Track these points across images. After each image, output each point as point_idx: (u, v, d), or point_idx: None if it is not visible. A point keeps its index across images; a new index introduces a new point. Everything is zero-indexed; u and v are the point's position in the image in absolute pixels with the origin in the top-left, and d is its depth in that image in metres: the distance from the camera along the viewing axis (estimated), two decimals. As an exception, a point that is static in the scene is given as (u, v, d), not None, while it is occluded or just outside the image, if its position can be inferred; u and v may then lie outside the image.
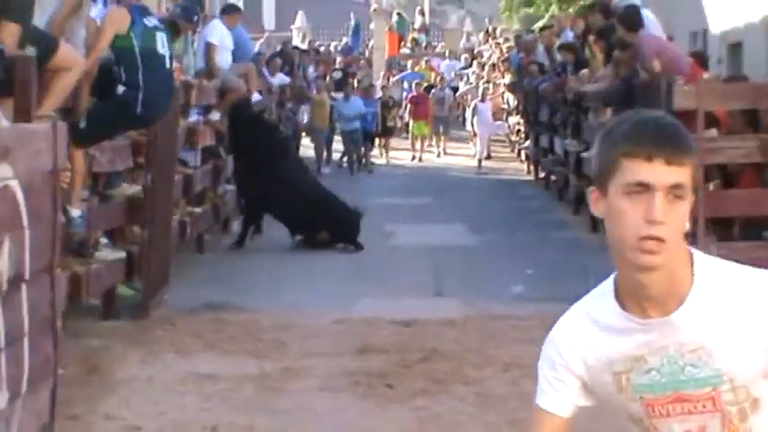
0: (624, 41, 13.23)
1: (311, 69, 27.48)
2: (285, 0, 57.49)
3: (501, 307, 10.85)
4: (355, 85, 27.80)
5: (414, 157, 28.40)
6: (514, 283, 12.09)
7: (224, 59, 15.04)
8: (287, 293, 11.48)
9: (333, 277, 12.44)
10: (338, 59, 32.73)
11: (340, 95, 26.45)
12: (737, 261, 3.05)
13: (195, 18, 13.97)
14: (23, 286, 6.04)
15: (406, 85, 32.28)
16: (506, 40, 31.35)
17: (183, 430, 7.24)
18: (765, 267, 2.60)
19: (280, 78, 21.89)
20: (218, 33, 15.10)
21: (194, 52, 15.00)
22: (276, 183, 14.26)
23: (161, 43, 9.69)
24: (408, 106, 29.66)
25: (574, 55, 17.17)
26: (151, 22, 9.80)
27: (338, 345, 9.48)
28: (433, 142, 29.58)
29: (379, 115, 27.56)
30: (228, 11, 16.33)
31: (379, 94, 29.38)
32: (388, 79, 33.28)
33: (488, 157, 27.37)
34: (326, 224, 14.50)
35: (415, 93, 29.85)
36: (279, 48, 26.93)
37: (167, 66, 9.82)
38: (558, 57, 18.92)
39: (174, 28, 12.32)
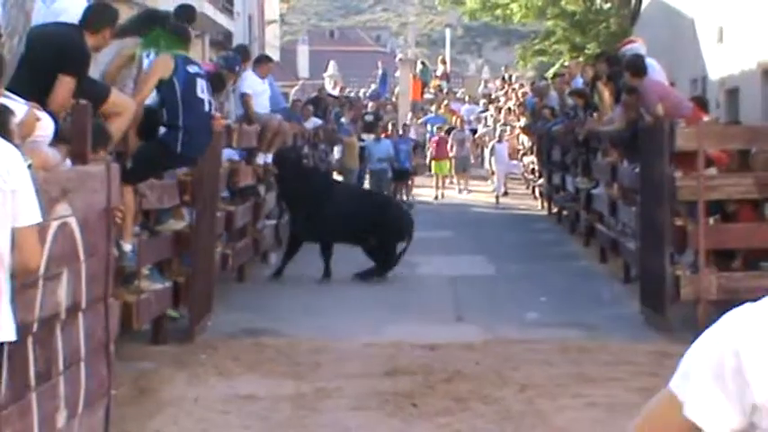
0: (630, 86, 13.24)
1: (342, 114, 27.51)
2: (318, 51, 57.86)
3: (517, 332, 10.82)
4: (389, 128, 27.74)
5: (437, 196, 28.20)
6: (529, 309, 12.07)
7: (261, 105, 15.11)
8: (320, 319, 11.46)
9: (362, 305, 12.42)
10: (369, 104, 32.77)
11: (371, 137, 26.45)
12: (737, 290, 3.02)
13: (237, 68, 14.05)
14: (80, 314, 6.10)
15: (429, 127, 32.28)
16: (521, 86, 31.40)
17: (226, 446, 7.25)
18: (763, 296, 2.30)
19: (313, 122, 21.94)
20: (251, 83, 15.16)
21: (234, 100, 15.07)
22: (325, 219, 14.25)
23: (201, 89, 9.72)
24: (431, 147, 29.69)
25: (584, 100, 17.16)
26: (193, 69, 9.84)
27: (368, 367, 9.45)
28: (455, 180, 29.51)
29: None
30: (260, 61, 16.39)
31: (412, 134, 29.48)
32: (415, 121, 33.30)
33: (505, 194, 27.35)
34: (377, 230, 14.48)
35: (437, 136, 29.78)
36: (314, 94, 26.98)
37: (206, 110, 9.85)
38: (570, 101, 18.92)
39: (219, 80, 12.39)
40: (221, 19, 23.98)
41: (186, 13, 11.46)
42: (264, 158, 14.76)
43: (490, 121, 32.91)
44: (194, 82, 9.66)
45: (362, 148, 25.53)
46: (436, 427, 7.73)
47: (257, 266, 14.98)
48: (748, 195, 10.71)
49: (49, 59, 7.51)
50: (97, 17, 7.97)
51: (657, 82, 13.36)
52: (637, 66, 13.26)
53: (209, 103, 9.99)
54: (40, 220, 4.79)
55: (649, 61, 13.86)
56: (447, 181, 29.19)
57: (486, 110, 34.93)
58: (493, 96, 36.65)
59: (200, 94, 9.71)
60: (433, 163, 29.14)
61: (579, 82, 18.67)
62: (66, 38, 7.77)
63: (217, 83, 10.86)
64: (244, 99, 14.79)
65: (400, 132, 28.17)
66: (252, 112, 14.75)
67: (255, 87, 15.06)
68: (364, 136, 26.77)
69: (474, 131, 32.32)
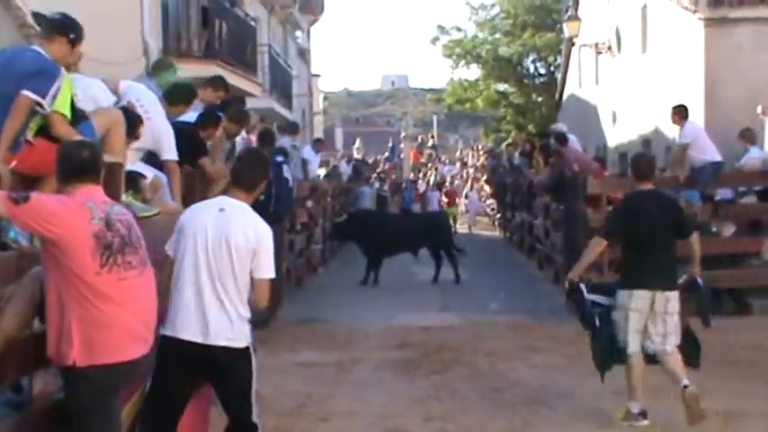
0: (557, 151, 13.26)
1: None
2: (348, 131, 58.00)
3: (483, 317, 10.81)
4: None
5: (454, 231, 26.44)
6: (492, 302, 12.05)
7: (313, 171, 15.31)
8: (353, 311, 11.45)
9: (381, 300, 12.39)
10: (386, 166, 32.70)
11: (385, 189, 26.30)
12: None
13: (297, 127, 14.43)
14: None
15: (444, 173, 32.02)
16: (485, 152, 31.39)
17: (292, 395, 7.20)
18: None
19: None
20: (309, 154, 15.25)
21: (294, 165, 15.10)
22: (387, 241, 14.01)
23: (285, 171, 9.90)
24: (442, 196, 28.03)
25: (528, 159, 17.16)
26: (279, 158, 9.97)
27: (385, 342, 9.46)
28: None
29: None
30: (317, 141, 16.77)
31: (422, 187, 28.92)
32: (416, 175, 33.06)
33: (474, 224, 27.24)
34: (427, 239, 14.27)
35: (446, 189, 28.60)
36: (352, 163, 26.85)
37: (290, 185, 10.04)
38: (516, 161, 18.94)
39: (269, 135, 12.38)
40: (284, 112, 24.03)
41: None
42: (312, 203, 14.78)
43: (463, 176, 32.94)
44: (281, 167, 9.79)
45: (380, 196, 25.38)
46: (431, 383, 7.73)
47: (310, 276, 14.99)
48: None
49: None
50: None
51: (575, 149, 13.42)
52: (561, 138, 13.33)
53: (290, 180, 10.12)
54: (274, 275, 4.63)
55: (569, 135, 13.93)
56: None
57: (461, 170, 34.84)
58: (465, 160, 36.65)
59: (285, 175, 9.82)
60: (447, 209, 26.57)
61: (523, 150, 18.73)
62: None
63: (267, 138, 10.72)
64: (303, 162, 14.84)
65: (403, 185, 28.05)
66: (308, 173, 14.86)
67: (312, 158, 15.19)
68: (384, 188, 26.65)
69: (451, 184, 32.04)
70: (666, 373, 6.33)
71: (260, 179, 4.79)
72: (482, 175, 29.40)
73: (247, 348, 4.61)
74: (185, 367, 4.44)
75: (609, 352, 6.43)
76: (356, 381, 7.80)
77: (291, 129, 14.30)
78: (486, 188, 28.21)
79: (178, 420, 4.53)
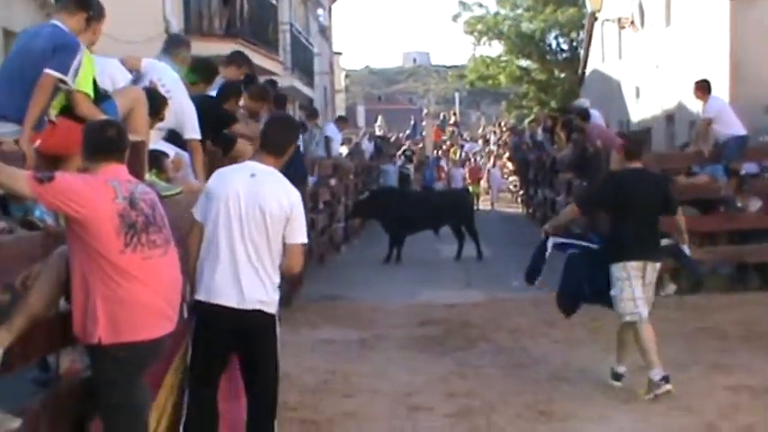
0: (580, 127, 13.16)
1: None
2: (370, 109, 57.87)
3: (507, 293, 10.80)
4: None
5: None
6: (514, 279, 12.02)
7: (335, 149, 15.29)
8: (376, 289, 11.48)
9: (404, 278, 12.42)
10: (408, 143, 32.55)
11: (410, 167, 26.20)
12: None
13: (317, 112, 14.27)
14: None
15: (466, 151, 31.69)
16: (508, 130, 31.22)
17: (315, 372, 7.25)
18: None
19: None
20: (332, 131, 15.25)
21: (317, 143, 15.11)
22: (407, 218, 13.96)
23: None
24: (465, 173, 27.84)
25: (550, 135, 17.05)
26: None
27: (408, 320, 9.47)
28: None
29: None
30: (339, 120, 16.65)
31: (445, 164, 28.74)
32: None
33: (497, 201, 27.14)
34: (449, 217, 14.28)
35: (469, 166, 28.38)
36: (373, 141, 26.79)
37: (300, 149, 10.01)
38: (539, 137, 18.84)
39: (303, 127, 12.46)
40: (306, 90, 24.02)
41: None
42: (334, 181, 14.79)
43: (484, 154, 32.76)
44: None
45: (402, 173, 25.33)
46: (454, 360, 7.75)
47: (332, 254, 15.04)
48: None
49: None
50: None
51: (597, 125, 13.31)
52: (584, 114, 13.23)
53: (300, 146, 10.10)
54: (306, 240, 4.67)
55: (592, 111, 13.82)
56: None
57: (483, 147, 34.62)
58: (487, 137, 36.46)
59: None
60: (470, 187, 25.83)
61: (546, 126, 18.61)
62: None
63: (279, 102, 10.77)
64: (326, 141, 14.83)
65: (427, 162, 27.94)
66: (330, 151, 14.84)
67: (335, 135, 15.16)
68: (408, 165, 26.60)
69: (474, 161, 31.88)
70: (640, 343, 6.48)
71: (289, 144, 4.79)
72: (504, 152, 29.26)
73: (275, 317, 4.64)
74: (220, 332, 4.51)
75: (573, 296, 6.92)
76: (379, 358, 7.82)
77: (310, 113, 14.19)
78: (509, 165, 28.09)
79: (218, 385, 4.62)
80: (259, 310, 4.54)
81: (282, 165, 4.76)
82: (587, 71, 26.62)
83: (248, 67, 8.70)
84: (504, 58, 34.42)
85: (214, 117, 7.22)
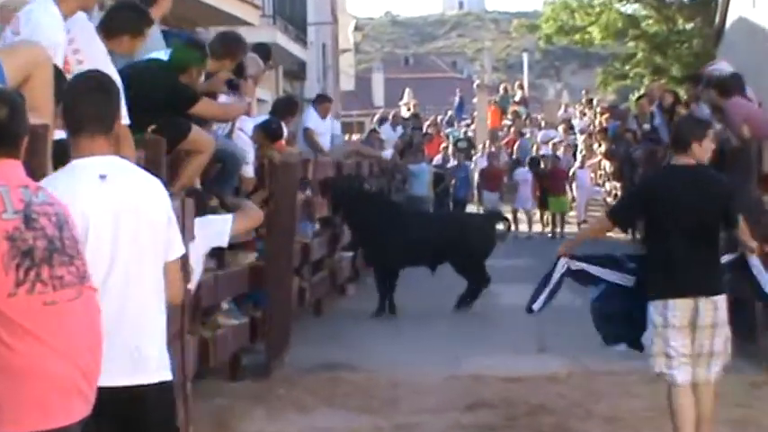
0: (717, 106, 13.06)
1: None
2: (393, 78, 58.06)
3: (602, 362, 10.70)
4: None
5: (553, 234, 25.11)
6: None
7: (324, 142, 15.30)
8: (398, 352, 11.43)
9: (441, 336, 12.38)
10: (462, 129, 32.82)
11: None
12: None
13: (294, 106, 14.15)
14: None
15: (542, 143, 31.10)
16: (603, 110, 31.18)
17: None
18: None
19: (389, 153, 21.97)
20: (314, 121, 15.27)
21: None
22: (398, 244, 14.17)
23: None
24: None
25: (670, 120, 16.93)
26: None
27: (448, 401, 9.44)
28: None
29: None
30: (319, 101, 16.35)
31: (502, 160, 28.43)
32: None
33: (584, 222, 26.85)
34: (456, 247, 14.45)
35: (549, 167, 26.60)
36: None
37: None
38: (655, 121, 18.77)
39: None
40: (295, 49, 24.17)
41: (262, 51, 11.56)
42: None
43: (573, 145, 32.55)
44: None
45: (438, 175, 25.27)
46: (520, 463, 7.73)
47: (335, 300, 15.01)
48: None
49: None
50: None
51: (742, 102, 13.17)
52: (724, 85, 12.99)
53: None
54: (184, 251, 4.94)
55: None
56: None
57: (565, 137, 34.47)
58: (572, 122, 36.46)
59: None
60: (550, 199, 25.61)
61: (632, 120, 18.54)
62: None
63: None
64: (307, 133, 14.85)
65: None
66: (316, 144, 14.83)
67: (317, 125, 15.16)
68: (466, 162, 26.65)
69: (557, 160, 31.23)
70: (699, 409, 6.91)
71: (112, 113, 4.80)
72: (599, 146, 29.23)
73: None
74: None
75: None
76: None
77: (285, 107, 13.74)
78: (606, 165, 28.03)
79: None
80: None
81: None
82: (728, 21, 26.60)
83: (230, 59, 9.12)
84: (598, 1, 34.50)
85: (163, 94, 7.28)
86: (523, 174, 26.34)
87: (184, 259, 4.99)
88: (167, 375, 4.80)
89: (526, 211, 26.27)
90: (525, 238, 24.70)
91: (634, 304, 7.21)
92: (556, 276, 7.71)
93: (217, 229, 7.46)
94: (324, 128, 15.37)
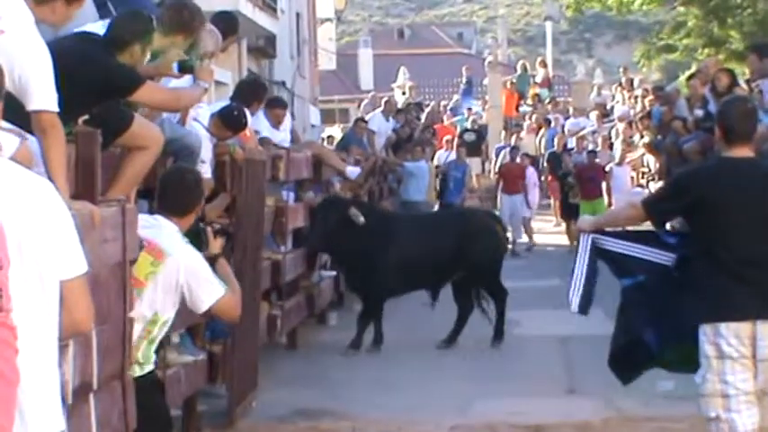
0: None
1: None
2: (384, 55, 58.02)
3: (644, 407, 10.78)
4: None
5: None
6: (661, 377, 11.99)
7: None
8: (393, 396, 11.48)
9: (447, 375, 12.44)
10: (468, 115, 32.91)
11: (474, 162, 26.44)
12: None
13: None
14: (91, 396, 6.09)
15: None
16: (645, 92, 31.20)
17: None
18: None
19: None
20: (265, 128, 15.25)
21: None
22: (392, 266, 14.26)
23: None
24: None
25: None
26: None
27: (455, 455, 9.50)
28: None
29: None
30: (271, 105, 15.72)
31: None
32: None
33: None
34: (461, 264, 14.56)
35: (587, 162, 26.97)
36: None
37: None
38: (697, 112, 18.84)
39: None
40: (262, 19, 24.15)
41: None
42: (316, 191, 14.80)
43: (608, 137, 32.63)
44: None
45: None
46: None
47: (313, 330, 15.01)
48: None
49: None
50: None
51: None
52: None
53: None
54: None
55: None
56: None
57: (599, 126, 34.49)
58: (607, 108, 36.50)
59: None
60: (583, 205, 25.48)
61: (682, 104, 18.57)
62: None
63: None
64: (263, 143, 14.84)
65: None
66: (297, 137, 14.87)
67: (271, 131, 15.09)
68: (468, 160, 26.67)
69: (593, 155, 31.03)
70: None
71: None
72: (640, 137, 29.27)
73: None
74: None
75: (626, 355, 7.71)
76: None
77: (250, 90, 13.67)
78: (650, 161, 28.08)
79: None
80: None
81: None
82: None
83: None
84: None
85: (98, 76, 7.30)
86: (530, 175, 26.76)
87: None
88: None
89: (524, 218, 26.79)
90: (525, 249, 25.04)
91: (666, 302, 7.36)
92: (583, 256, 7.68)
93: (204, 292, 7.33)
94: (279, 138, 15.21)
